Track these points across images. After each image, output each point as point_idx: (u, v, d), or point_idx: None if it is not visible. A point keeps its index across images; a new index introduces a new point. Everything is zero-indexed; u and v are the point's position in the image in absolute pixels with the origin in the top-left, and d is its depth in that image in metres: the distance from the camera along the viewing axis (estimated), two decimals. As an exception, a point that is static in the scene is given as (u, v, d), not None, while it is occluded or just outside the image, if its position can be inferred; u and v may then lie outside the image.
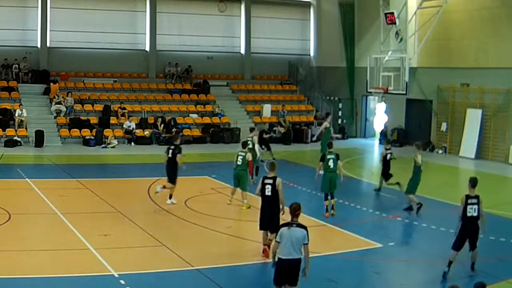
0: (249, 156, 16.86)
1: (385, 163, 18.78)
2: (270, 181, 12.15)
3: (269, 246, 12.04)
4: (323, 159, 16.25)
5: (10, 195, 17.12)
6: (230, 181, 19.82)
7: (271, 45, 36.82)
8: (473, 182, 11.52)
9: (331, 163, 16.02)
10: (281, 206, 12.09)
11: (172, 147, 16.83)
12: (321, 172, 16.51)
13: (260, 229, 12.37)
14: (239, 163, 16.74)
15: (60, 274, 10.79)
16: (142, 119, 30.52)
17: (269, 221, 12.05)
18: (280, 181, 12.20)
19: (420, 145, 16.74)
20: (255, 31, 36.33)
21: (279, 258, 9.15)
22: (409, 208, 16.45)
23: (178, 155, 16.47)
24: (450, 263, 11.37)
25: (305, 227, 9.14)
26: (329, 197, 16.09)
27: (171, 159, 16.71)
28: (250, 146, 20.17)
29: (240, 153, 16.83)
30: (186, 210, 16.21)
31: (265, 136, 23.48)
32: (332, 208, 16.12)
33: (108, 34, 32.69)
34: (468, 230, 11.36)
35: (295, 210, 9.22)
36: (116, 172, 22.46)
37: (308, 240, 9.08)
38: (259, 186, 12.34)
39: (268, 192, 12.12)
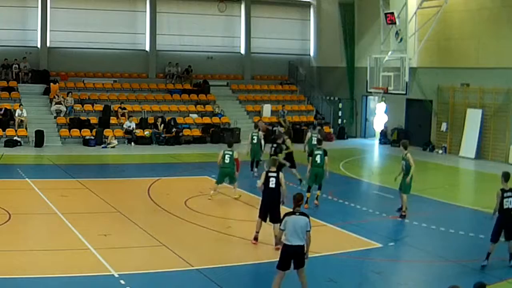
0: (236, 154, 17.59)
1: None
2: (274, 174, 13.11)
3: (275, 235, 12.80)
4: (311, 154, 16.97)
5: (10, 195, 17.10)
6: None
7: (271, 45, 36.81)
8: (506, 176, 12.08)
9: (318, 158, 16.68)
10: (282, 198, 13.06)
11: (275, 145, 18.71)
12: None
13: (259, 217, 13.18)
14: (226, 161, 17.43)
15: (60, 274, 10.78)
16: (142, 119, 30.51)
17: (270, 211, 13.00)
18: (283, 175, 13.21)
19: (407, 143, 16.55)
20: (255, 31, 36.33)
21: (285, 244, 9.76)
22: (401, 209, 16.36)
23: (279, 154, 18.12)
24: (488, 254, 11.89)
25: (307, 215, 9.88)
26: (312, 191, 16.76)
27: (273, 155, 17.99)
28: (255, 141, 21.17)
29: (227, 152, 17.46)
30: (186, 210, 16.21)
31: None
32: (316, 198, 16.79)
33: (108, 34, 32.68)
34: (506, 222, 11.85)
35: (298, 200, 9.95)
36: (116, 172, 22.45)
37: (310, 227, 9.82)
38: (262, 179, 13.19)
39: (272, 184, 13.03)
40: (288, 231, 9.68)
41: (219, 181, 17.71)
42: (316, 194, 16.85)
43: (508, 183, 12.04)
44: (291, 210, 9.92)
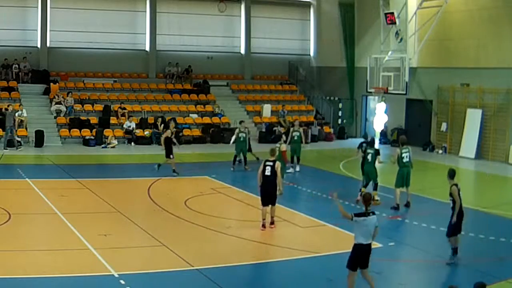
0: (283, 147, 18.66)
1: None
2: (271, 163, 14.21)
3: (272, 222, 14.44)
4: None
5: (10, 195, 17.11)
6: (230, 181, 19.91)
7: (271, 45, 36.81)
8: (452, 174, 12.49)
9: (369, 157, 17.40)
10: (278, 186, 14.20)
11: (363, 144, 18.85)
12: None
13: (263, 204, 14.29)
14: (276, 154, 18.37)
15: (60, 274, 10.78)
16: (142, 119, 30.51)
17: (269, 197, 14.21)
18: (279, 164, 14.28)
19: (403, 140, 17.32)
20: (255, 31, 36.33)
21: (360, 244, 9.95)
22: (407, 205, 17.01)
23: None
24: (456, 249, 12.16)
25: (374, 213, 10.22)
26: (366, 187, 17.28)
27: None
28: (242, 139, 22.37)
29: (276, 146, 18.60)
30: (186, 210, 16.21)
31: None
32: (373, 199, 17.12)
33: (108, 34, 32.68)
34: (463, 215, 12.32)
35: (367, 199, 10.16)
36: (116, 172, 22.45)
37: (377, 223, 10.18)
38: (261, 168, 14.30)
39: (267, 172, 14.13)
40: (360, 231, 9.91)
41: None
42: (372, 194, 17.11)
43: (454, 179, 12.42)
44: (363, 211, 10.02)
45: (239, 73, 36.38)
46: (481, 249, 13.35)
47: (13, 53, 30.69)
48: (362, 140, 19.15)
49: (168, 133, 21.47)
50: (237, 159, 22.74)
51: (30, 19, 31.33)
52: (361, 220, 9.92)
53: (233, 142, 22.70)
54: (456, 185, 12.30)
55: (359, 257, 10.00)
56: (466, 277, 11.22)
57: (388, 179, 18.88)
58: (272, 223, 14.49)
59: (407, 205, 16.95)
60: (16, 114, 27.23)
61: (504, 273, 11.65)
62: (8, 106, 26.41)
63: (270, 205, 14.34)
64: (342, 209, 10.32)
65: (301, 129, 22.89)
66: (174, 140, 21.42)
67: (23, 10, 31.19)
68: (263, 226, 14.26)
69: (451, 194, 12.29)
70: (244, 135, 22.48)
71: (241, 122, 23.82)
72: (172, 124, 22.75)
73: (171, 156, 21.02)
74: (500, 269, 11.94)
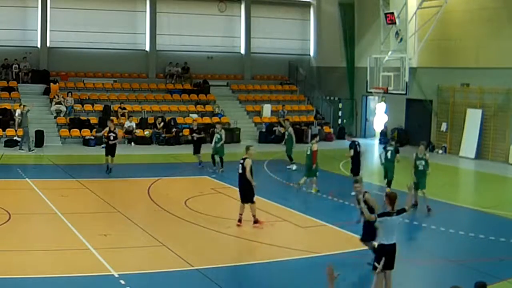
0: (313, 147, 18.73)
1: None
2: (242, 161, 14.54)
3: (255, 221, 14.52)
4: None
5: (10, 195, 17.11)
6: (230, 181, 19.91)
7: (271, 45, 36.82)
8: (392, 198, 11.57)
9: (389, 154, 17.88)
10: (251, 182, 14.33)
11: (357, 144, 19.32)
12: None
13: (242, 202, 14.58)
14: (307, 153, 18.93)
15: (60, 274, 10.78)
16: (142, 119, 30.52)
17: (244, 194, 14.44)
18: (249, 162, 14.39)
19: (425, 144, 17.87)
20: (255, 31, 36.34)
21: (383, 245, 9.86)
22: (415, 204, 16.89)
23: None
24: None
25: (404, 210, 10.01)
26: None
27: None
28: (217, 140, 22.17)
29: (309, 144, 19.19)
30: (186, 210, 16.21)
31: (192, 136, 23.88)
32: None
33: (108, 34, 32.70)
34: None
35: (393, 199, 9.95)
36: (116, 172, 22.43)
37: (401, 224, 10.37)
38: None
39: (240, 170, 14.52)
40: (382, 231, 9.88)
41: (305, 174, 19.09)
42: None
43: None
44: (388, 211, 9.86)
45: (239, 73, 36.39)
46: (481, 249, 13.35)
47: (13, 53, 30.70)
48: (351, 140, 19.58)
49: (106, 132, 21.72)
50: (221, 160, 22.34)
51: (30, 19, 31.34)
52: (383, 219, 9.84)
53: (214, 145, 22.35)
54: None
55: (385, 258, 9.89)
56: (466, 277, 11.21)
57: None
58: (254, 222, 14.49)
59: (415, 204, 16.85)
60: (16, 114, 27.16)
61: (504, 273, 11.65)
62: (24, 107, 26.33)
63: (247, 204, 14.52)
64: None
65: (290, 129, 23.39)
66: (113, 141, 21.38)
67: (23, 10, 31.21)
68: (239, 221, 14.50)
69: (365, 201, 11.26)
70: (219, 136, 22.13)
71: (217, 123, 24.02)
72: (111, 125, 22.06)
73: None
74: (500, 269, 11.93)
